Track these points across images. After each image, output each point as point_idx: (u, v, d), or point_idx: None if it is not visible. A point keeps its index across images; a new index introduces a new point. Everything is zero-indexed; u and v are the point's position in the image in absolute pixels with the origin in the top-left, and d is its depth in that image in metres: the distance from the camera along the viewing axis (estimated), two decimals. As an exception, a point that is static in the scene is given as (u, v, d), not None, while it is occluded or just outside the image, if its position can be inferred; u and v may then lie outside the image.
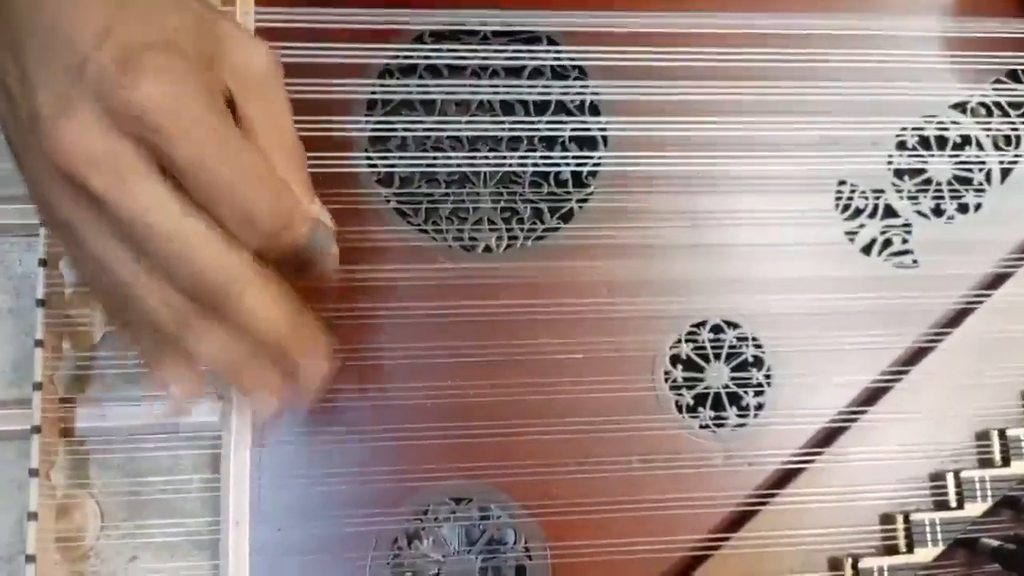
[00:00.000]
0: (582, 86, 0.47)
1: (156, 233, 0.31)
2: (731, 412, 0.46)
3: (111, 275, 0.32)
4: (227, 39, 0.34)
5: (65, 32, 0.31)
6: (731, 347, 0.47)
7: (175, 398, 0.36)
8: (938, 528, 0.44)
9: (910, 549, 0.44)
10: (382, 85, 0.46)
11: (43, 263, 0.41)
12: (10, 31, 0.32)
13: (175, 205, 0.31)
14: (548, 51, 0.47)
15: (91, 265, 0.33)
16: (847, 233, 0.49)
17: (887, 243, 0.49)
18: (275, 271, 0.34)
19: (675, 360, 0.46)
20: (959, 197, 0.50)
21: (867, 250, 0.49)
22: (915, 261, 0.49)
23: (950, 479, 0.45)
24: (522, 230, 0.46)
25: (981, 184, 0.50)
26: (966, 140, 0.50)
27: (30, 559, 0.39)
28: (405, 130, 0.46)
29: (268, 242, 0.33)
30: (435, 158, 0.46)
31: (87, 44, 0.30)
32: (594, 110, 0.47)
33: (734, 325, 0.47)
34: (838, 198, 0.49)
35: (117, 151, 0.30)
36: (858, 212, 0.49)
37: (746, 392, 0.46)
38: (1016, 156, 0.50)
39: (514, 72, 0.47)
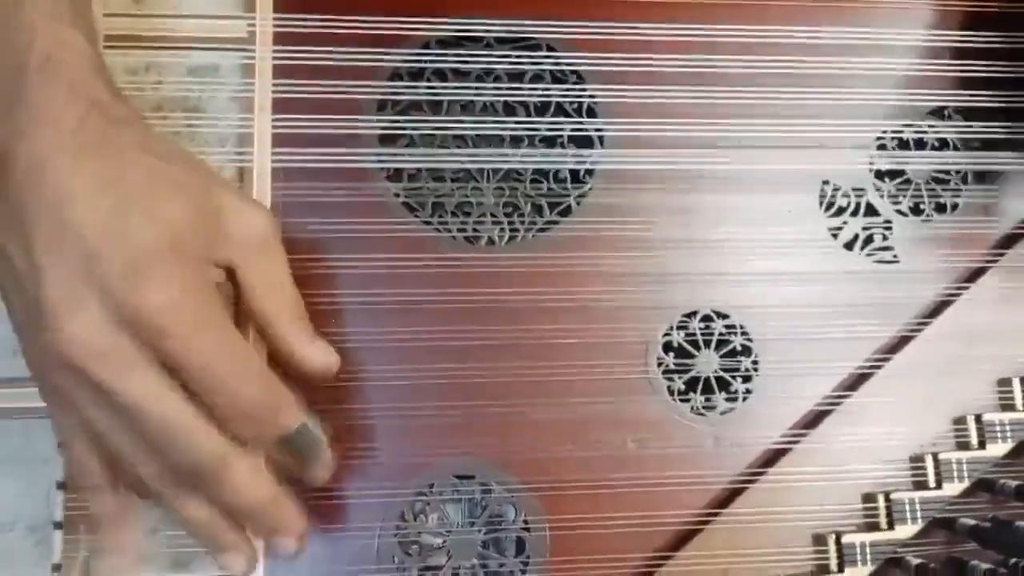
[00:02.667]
0: (580, 90, 0.50)
1: (150, 421, 0.34)
2: (720, 397, 0.49)
3: (105, 444, 0.35)
4: (225, 210, 0.37)
5: (73, 224, 0.32)
6: (720, 336, 0.49)
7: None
8: (917, 507, 0.47)
9: (891, 526, 0.46)
10: (392, 88, 0.49)
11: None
12: (11, 208, 0.33)
13: (170, 395, 0.34)
14: (548, 57, 0.50)
15: (80, 431, 0.35)
16: (830, 230, 0.51)
17: (869, 240, 0.52)
18: (268, 462, 0.38)
19: (667, 347, 0.49)
20: (937, 197, 0.53)
21: (849, 246, 0.52)
22: (895, 257, 0.52)
23: (929, 461, 0.48)
24: (523, 224, 0.49)
25: (958, 185, 0.53)
26: (943, 143, 0.53)
27: (58, 526, 0.41)
28: (413, 130, 0.49)
29: (255, 432, 0.36)
30: (441, 156, 0.49)
31: (96, 243, 0.32)
32: (591, 112, 0.50)
33: (723, 315, 0.49)
34: (822, 197, 0.52)
35: (119, 346, 0.33)
36: (841, 210, 0.52)
37: (735, 378, 0.49)
38: (988, 159, 0.53)
39: (516, 76, 0.50)
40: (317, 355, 0.40)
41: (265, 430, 0.37)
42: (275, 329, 0.39)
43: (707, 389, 0.49)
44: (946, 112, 0.54)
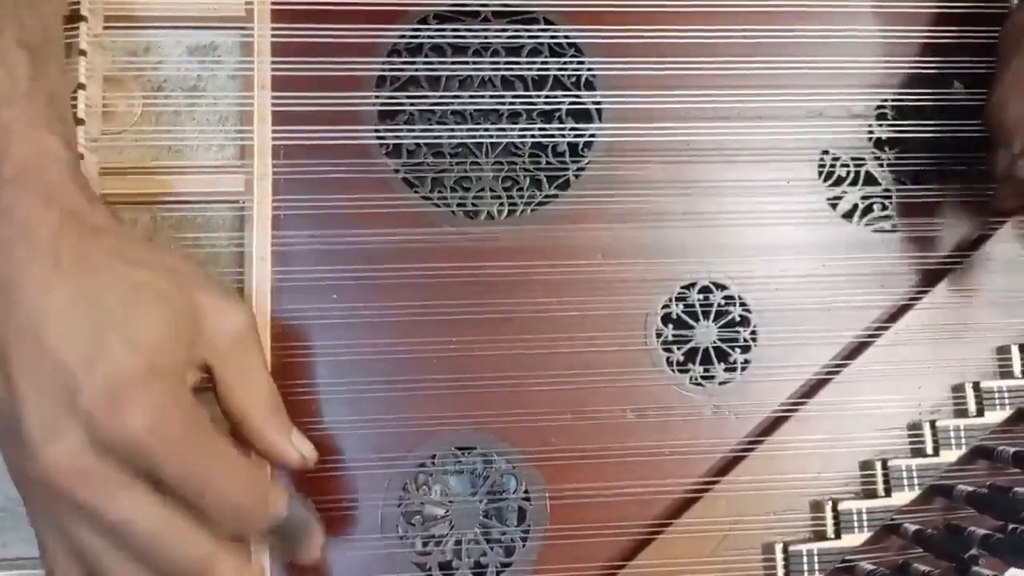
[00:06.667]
0: (578, 63, 0.50)
1: (136, 535, 0.34)
2: (719, 368, 0.49)
3: (90, 563, 0.35)
4: (204, 311, 0.37)
5: (50, 350, 0.33)
6: (719, 307, 0.50)
7: None
8: (915, 474, 0.47)
9: (888, 493, 0.47)
10: (390, 64, 0.49)
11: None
12: None
13: (155, 508, 0.34)
14: (545, 30, 0.50)
15: (64, 551, 0.36)
16: (829, 200, 0.52)
17: (868, 209, 0.52)
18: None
19: (666, 319, 0.49)
20: (936, 165, 0.53)
21: (848, 216, 0.52)
22: (894, 226, 0.52)
23: (927, 428, 0.48)
24: (522, 198, 0.49)
25: (957, 154, 0.53)
26: (942, 111, 0.53)
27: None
28: (412, 105, 0.49)
29: (245, 527, 0.38)
30: (440, 132, 0.49)
31: (73, 371, 0.33)
32: (589, 85, 0.50)
33: (722, 287, 0.50)
34: (821, 167, 0.52)
35: (102, 469, 0.33)
36: (840, 180, 0.52)
37: (733, 349, 0.49)
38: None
39: (513, 51, 0.50)
40: (293, 451, 0.40)
41: (255, 524, 0.38)
42: (251, 425, 0.39)
43: (706, 360, 0.49)
44: (946, 80, 0.53)
